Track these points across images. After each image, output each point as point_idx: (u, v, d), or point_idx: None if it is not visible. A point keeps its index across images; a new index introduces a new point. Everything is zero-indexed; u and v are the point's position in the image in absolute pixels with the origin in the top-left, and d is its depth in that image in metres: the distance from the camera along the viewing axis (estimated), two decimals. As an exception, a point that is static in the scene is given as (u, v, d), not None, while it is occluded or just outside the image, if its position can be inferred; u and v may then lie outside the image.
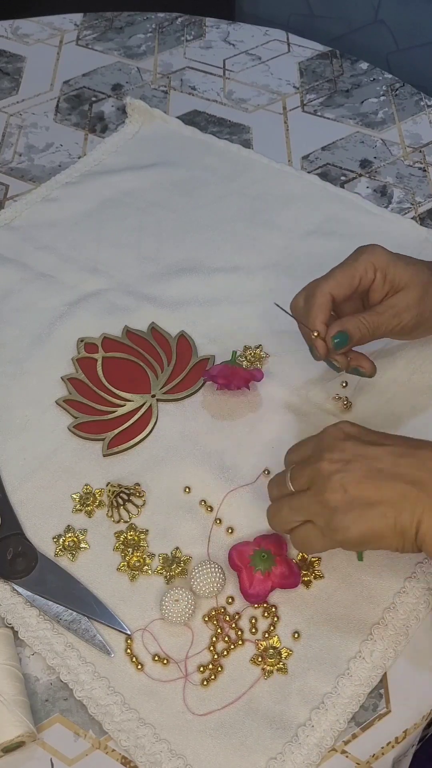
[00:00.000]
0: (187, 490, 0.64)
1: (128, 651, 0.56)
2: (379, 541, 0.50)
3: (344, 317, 0.63)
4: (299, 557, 0.60)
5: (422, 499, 0.49)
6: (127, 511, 0.62)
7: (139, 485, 0.64)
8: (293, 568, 0.58)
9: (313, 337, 0.63)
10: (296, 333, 0.69)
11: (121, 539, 0.61)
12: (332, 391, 0.69)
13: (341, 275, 0.63)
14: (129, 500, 0.63)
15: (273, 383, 0.70)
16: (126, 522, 0.62)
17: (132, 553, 0.60)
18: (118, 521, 0.62)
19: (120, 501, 0.62)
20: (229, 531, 0.62)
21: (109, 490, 0.63)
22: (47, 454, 0.66)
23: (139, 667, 0.55)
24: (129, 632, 0.56)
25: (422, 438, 0.66)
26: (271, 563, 0.57)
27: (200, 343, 0.73)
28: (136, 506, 0.63)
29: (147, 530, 0.62)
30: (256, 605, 0.58)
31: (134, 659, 0.55)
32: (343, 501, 0.50)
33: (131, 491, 0.63)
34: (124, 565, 0.60)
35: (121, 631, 0.56)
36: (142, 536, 0.61)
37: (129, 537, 0.61)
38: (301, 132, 0.93)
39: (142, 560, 0.60)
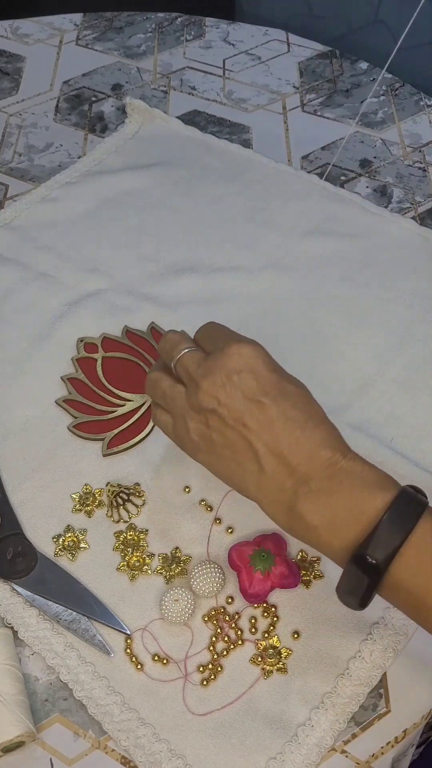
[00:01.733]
0: (187, 489, 0.64)
1: (128, 651, 0.56)
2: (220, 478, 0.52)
3: None
4: (299, 557, 0.60)
5: (269, 489, 0.49)
6: (127, 511, 0.62)
7: (138, 485, 0.64)
8: (293, 568, 0.58)
9: None
10: (297, 334, 0.69)
11: (121, 539, 0.61)
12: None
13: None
14: (129, 500, 0.63)
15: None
16: (126, 522, 0.62)
17: (132, 553, 0.60)
18: (118, 521, 0.62)
19: (120, 501, 0.62)
20: (229, 531, 0.62)
21: (109, 490, 0.63)
22: (47, 453, 0.66)
23: (139, 666, 0.55)
24: (129, 632, 0.56)
25: (421, 438, 0.66)
26: (270, 563, 0.57)
27: (200, 342, 0.73)
28: (136, 506, 0.63)
29: (147, 530, 0.62)
30: (255, 605, 0.58)
31: (134, 659, 0.55)
32: (198, 432, 0.51)
33: (131, 491, 0.63)
34: (123, 565, 0.60)
35: (120, 631, 0.56)
36: (142, 536, 0.61)
37: (129, 537, 0.61)
38: (300, 132, 0.93)
39: (141, 560, 0.60)
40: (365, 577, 0.46)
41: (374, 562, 0.45)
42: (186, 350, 0.53)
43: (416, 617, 0.48)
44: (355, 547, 0.46)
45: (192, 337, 0.56)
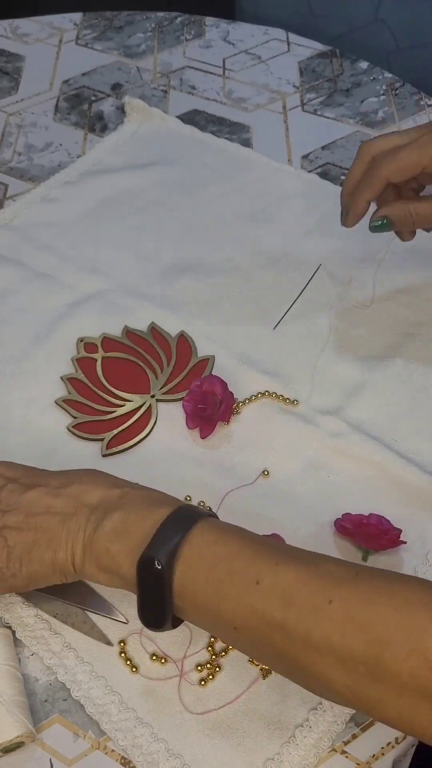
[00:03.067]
0: (188, 498, 0.63)
1: (122, 654, 0.56)
2: (46, 579, 0.53)
3: (391, 203, 0.63)
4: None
5: (72, 532, 0.51)
6: None
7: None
8: None
9: (348, 204, 0.65)
10: (297, 333, 0.69)
11: None
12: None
13: (406, 160, 0.61)
14: None
15: (274, 383, 0.70)
16: None
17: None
18: None
19: None
20: (228, 531, 0.61)
21: None
22: (46, 453, 0.66)
23: (134, 669, 0.55)
24: (126, 621, 0.56)
25: (422, 438, 0.66)
26: None
27: (200, 343, 0.73)
28: None
29: None
30: None
31: (128, 662, 0.55)
32: (4, 554, 0.52)
33: None
34: None
35: (117, 621, 0.56)
36: None
37: None
38: (300, 131, 0.93)
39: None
40: (153, 580, 0.47)
41: (158, 563, 0.46)
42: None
43: (208, 627, 0.49)
44: (140, 550, 0.48)
45: None
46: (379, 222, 0.63)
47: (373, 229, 0.63)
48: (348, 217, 0.65)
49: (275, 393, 0.69)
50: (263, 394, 0.69)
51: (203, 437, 0.66)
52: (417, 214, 0.63)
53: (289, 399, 0.69)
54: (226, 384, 0.67)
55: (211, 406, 0.65)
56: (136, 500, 0.51)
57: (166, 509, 0.49)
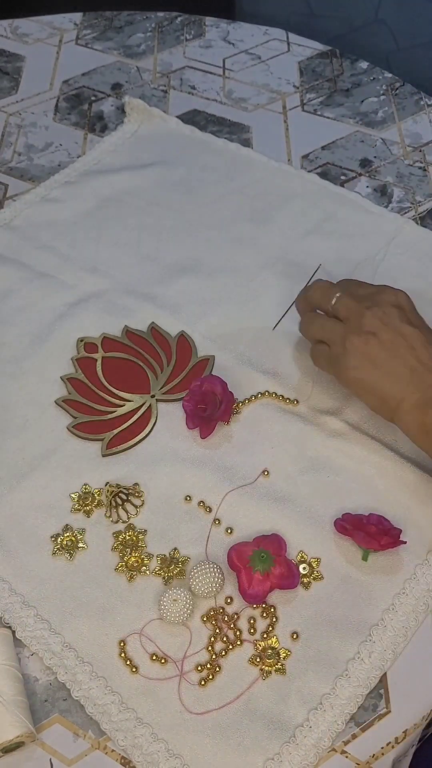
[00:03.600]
0: (188, 498, 0.63)
1: (122, 655, 0.56)
2: (365, 394, 0.61)
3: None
4: (299, 558, 0.60)
5: (414, 385, 0.59)
6: (126, 512, 0.62)
7: (137, 485, 0.64)
8: (292, 569, 0.58)
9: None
10: (297, 333, 0.69)
11: (120, 539, 0.61)
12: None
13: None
14: (128, 500, 0.63)
15: (274, 383, 0.70)
16: (124, 522, 0.62)
17: (130, 553, 0.60)
18: (117, 521, 0.62)
19: (119, 501, 0.62)
20: (228, 531, 0.61)
21: (108, 490, 0.63)
22: (46, 453, 0.66)
23: (134, 670, 0.55)
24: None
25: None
26: (270, 564, 0.57)
27: (200, 343, 0.73)
28: (135, 506, 0.63)
29: (145, 530, 0.62)
30: (254, 605, 0.58)
31: (128, 662, 0.55)
32: (360, 350, 0.60)
33: (130, 491, 0.63)
34: (122, 566, 0.60)
35: None
36: (141, 536, 0.61)
37: (127, 537, 0.61)
38: (300, 131, 0.93)
39: (140, 560, 0.60)
40: None
41: None
42: (340, 293, 0.64)
43: None
44: None
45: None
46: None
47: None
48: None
49: (275, 393, 0.69)
50: (263, 394, 0.69)
51: (203, 437, 0.66)
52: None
53: (289, 399, 0.69)
54: (226, 384, 0.67)
55: (211, 406, 0.65)
56: None
57: None
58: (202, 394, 0.66)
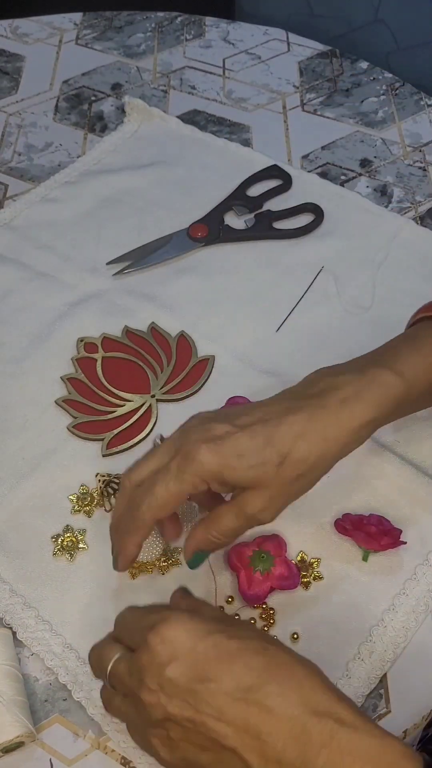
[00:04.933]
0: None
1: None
2: None
3: (191, 535, 0.53)
4: (299, 558, 0.60)
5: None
6: None
7: None
8: (293, 569, 0.58)
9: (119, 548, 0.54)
10: (297, 334, 0.69)
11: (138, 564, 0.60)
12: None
13: (164, 494, 0.50)
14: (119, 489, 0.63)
15: (273, 384, 0.70)
16: None
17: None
18: (110, 510, 0.62)
19: (110, 491, 0.63)
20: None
21: (100, 480, 0.63)
22: (46, 453, 0.66)
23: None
24: None
25: (422, 439, 0.66)
26: (270, 564, 0.57)
27: (200, 343, 0.73)
28: None
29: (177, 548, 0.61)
30: (254, 606, 0.58)
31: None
32: (165, 753, 0.43)
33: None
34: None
35: None
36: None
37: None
38: (300, 131, 0.93)
39: (139, 561, 0.60)
40: None
41: None
42: (111, 662, 0.46)
43: None
44: None
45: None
46: (195, 558, 0.54)
47: (193, 565, 0.54)
48: (118, 562, 0.54)
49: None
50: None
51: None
52: (221, 533, 0.52)
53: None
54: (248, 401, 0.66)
55: None
56: (354, 765, 0.38)
57: None
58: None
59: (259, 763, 0.39)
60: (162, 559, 0.60)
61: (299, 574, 0.59)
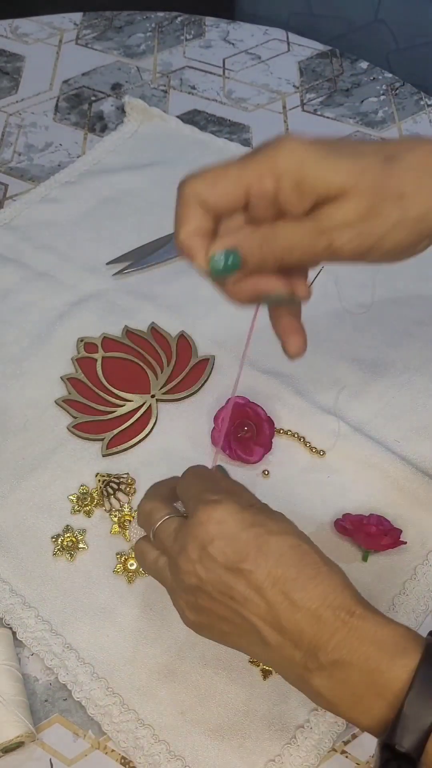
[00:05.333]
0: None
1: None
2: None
3: (239, 230, 0.43)
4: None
5: (277, 665, 0.45)
6: (118, 500, 0.63)
7: (128, 474, 0.64)
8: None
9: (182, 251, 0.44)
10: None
11: (122, 561, 0.60)
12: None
13: (221, 176, 0.42)
14: (119, 489, 0.63)
15: (273, 384, 0.70)
16: (118, 510, 0.62)
17: (130, 555, 0.60)
18: (109, 510, 0.62)
19: (110, 490, 0.63)
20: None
21: (99, 480, 0.63)
22: (46, 453, 0.66)
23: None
24: None
25: (422, 439, 0.66)
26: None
27: (200, 343, 0.73)
28: (126, 495, 0.63)
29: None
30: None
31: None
32: (190, 613, 0.47)
33: (121, 480, 0.63)
34: (119, 567, 0.60)
35: None
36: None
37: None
38: (300, 131, 0.93)
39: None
40: (397, 764, 0.40)
41: (404, 751, 0.39)
42: (160, 521, 0.48)
43: None
44: (383, 727, 0.41)
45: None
46: (220, 258, 0.42)
47: (218, 271, 0.42)
48: (178, 237, 0.44)
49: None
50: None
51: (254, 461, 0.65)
52: (268, 238, 0.42)
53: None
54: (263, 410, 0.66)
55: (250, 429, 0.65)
56: (359, 647, 0.41)
57: (403, 665, 0.40)
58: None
59: (276, 639, 0.43)
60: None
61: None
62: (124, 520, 0.62)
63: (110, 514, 0.62)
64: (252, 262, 0.43)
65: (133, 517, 0.61)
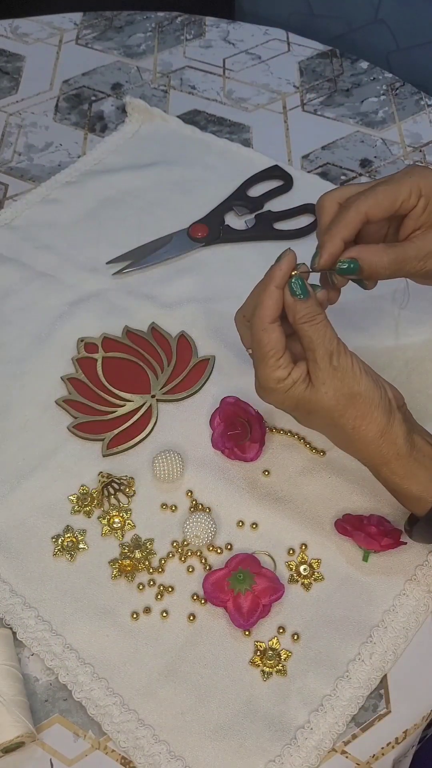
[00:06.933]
0: (190, 493, 0.63)
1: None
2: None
3: (363, 245, 0.56)
4: (299, 559, 0.60)
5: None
6: (118, 501, 0.63)
7: (126, 476, 0.64)
8: (274, 579, 0.57)
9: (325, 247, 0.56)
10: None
11: (118, 565, 0.60)
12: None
13: (383, 194, 0.55)
14: (120, 490, 0.63)
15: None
16: (116, 508, 0.62)
17: (130, 552, 0.60)
18: (109, 509, 0.62)
19: (110, 491, 0.63)
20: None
21: (100, 480, 0.63)
22: (47, 453, 0.66)
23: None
24: None
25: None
26: (250, 581, 0.57)
27: (200, 343, 0.73)
28: (127, 496, 0.63)
29: (153, 540, 0.61)
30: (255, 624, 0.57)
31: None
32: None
33: (122, 481, 0.63)
34: (116, 569, 0.60)
35: None
36: (149, 546, 0.61)
37: (127, 554, 0.60)
38: (301, 131, 0.93)
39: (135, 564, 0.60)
40: None
41: None
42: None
43: None
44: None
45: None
46: (347, 265, 0.55)
47: (342, 271, 0.56)
48: (320, 258, 0.57)
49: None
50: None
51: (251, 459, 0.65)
52: (389, 257, 0.56)
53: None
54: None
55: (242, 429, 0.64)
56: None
57: None
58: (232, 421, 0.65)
59: (353, 427, 0.54)
60: (209, 547, 0.60)
61: (278, 580, 0.57)
62: (113, 522, 0.61)
63: (99, 518, 0.62)
64: (367, 271, 0.56)
65: (126, 520, 0.61)
